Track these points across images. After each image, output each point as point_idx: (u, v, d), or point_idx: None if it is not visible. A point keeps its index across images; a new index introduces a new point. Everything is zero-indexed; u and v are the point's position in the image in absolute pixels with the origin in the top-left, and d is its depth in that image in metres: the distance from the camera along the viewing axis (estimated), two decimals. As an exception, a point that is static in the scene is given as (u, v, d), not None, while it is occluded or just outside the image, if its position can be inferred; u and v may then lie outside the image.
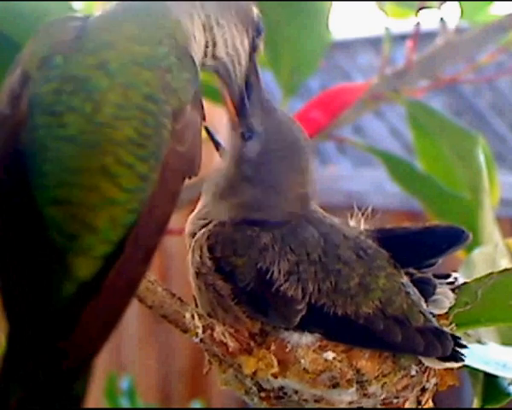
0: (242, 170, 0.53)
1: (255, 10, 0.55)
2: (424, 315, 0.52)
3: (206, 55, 0.53)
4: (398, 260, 0.54)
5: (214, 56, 0.53)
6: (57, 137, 0.45)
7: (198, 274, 0.52)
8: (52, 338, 0.43)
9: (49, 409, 0.44)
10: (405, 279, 0.53)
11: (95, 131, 0.45)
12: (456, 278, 0.56)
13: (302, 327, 0.51)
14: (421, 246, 0.55)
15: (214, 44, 0.53)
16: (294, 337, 0.51)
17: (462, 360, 0.51)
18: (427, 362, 0.52)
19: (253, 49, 0.55)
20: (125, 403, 1.44)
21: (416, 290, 0.53)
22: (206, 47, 0.52)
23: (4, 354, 0.44)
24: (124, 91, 0.45)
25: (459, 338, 0.52)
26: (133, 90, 0.46)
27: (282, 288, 0.50)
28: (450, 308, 0.54)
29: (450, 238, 0.55)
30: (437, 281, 0.55)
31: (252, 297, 0.51)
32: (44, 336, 0.43)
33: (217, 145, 0.56)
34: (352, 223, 0.56)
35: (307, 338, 0.51)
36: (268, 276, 0.50)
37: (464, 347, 0.51)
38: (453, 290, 0.55)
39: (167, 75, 0.47)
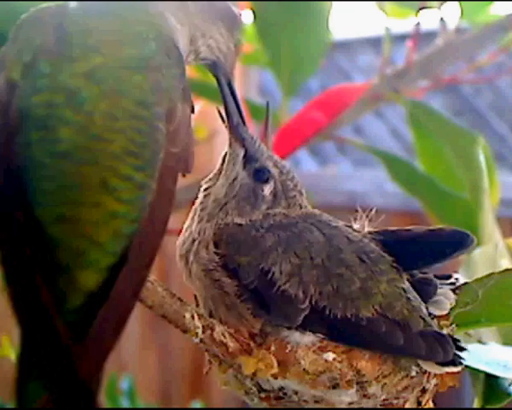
0: (257, 205, 0.54)
1: (236, 9, 0.55)
2: (425, 320, 0.52)
3: (188, 57, 0.53)
4: (402, 263, 0.54)
5: (198, 59, 0.54)
6: (52, 154, 0.44)
7: (205, 271, 0.52)
8: (64, 348, 0.43)
9: None
10: (407, 284, 0.53)
11: (90, 145, 0.44)
12: (457, 279, 0.56)
13: (305, 327, 0.51)
14: (425, 249, 0.55)
15: (198, 53, 0.54)
16: (295, 338, 0.51)
17: (462, 364, 0.51)
18: (426, 366, 0.52)
19: (236, 46, 0.55)
20: (125, 403, 1.44)
21: (416, 295, 0.53)
22: (190, 54, 0.53)
23: (19, 361, 0.44)
24: (115, 100, 0.45)
25: (459, 341, 0.51)
26: (124, 98, 0.45)
27: (283, 288, 0.50)
28: (451, 309, 0.54)
29: (455, 242, 0.54)
30: (438, 282, 0.55)
31: (256, 295, 0.51)
32: (56, 347, 0.43)
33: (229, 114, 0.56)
34: (356, 225, 0.56)
35: (308, 339, 0.51)
36: (269, 276, 0.50)
37: (464, 350, 0.51)
38: (454, 291, 0.55)
39: (157, 75, 0.46)
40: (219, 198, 0.54)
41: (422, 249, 0.55)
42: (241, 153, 0.55)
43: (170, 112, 0.46)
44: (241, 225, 0.53)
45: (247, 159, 0.55)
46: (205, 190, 0.56)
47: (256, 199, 0.54)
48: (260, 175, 0.54)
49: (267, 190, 0.54)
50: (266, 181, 0.54)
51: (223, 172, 0.55)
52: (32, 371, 0.44)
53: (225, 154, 0.56)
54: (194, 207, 0.56)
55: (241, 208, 0.54)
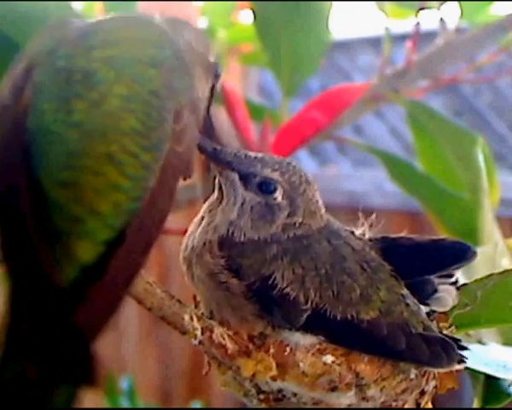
0: (276, 218, 0.52)
1: (213, 53, 0.56)
2: (424, 324, 0.52)
3: None
4: (401, 271, 0.54)
5: None
6: (63, 122, 0.46)
7: (210, 274, 0.51)
8: (52, 319, 0.43)
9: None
10: (406, 291, 0.53)
11: (101, 118, 0.46)
12: (457, 277, 0.56)
13: (306, 329, 0.50)
14: (425, 259, 0.54)
15: None
16: (294, 339, 0.51)
17: (464, 363, 0.51)
18: (428, 367, 0.52)
19: (212, 93, 0.54)
20: (125, 403, 1.44)
21: (415, 301, 0.53)
22: None
23: (6, 333, 0.44)
24: (129, 85, 0.47)
25: (460, 340, 0.51)
26: (138, 85, 0.47)
27: (284, 291, 0.50)
28: (451, 309, 0.54)
29: (456, 254, 0.54)
30: (440, 279, 0.55)
31: (258, 296, 0.50)
32: (45, 317, 0.43)
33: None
34: (358, 231, 0.56)
35: (307, 341, 0.51)
36: (271, 280, 0.50)
37: (465, 349, 0.51)
38: (457, 289, 0.55)
39: (169, 75, 0.48)
40: (231, 219, 0.52)
41: (422, 259, 0.54)
42: (235, 176, 0.52)
43: (177, 112, 0.48)
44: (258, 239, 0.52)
45: (245, 179, 0.52)
46: (210, 211, 0.54)
47: (273, 212, 0.52)
48: (266, 187, 0.52)
49: (279, 196, 0.52)
50: (274, 190, 0.52)
51: (225, 201, 0.53)
52: (16, 350, 0.44)
53: (219, 182, 0.54)
54: (195, 221, 0.55)
55: (257, 227, 0.52)
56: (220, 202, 0.54)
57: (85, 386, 0.44)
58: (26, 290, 0.44)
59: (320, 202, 0.54)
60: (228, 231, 0.52)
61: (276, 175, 0.52)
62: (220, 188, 0.54)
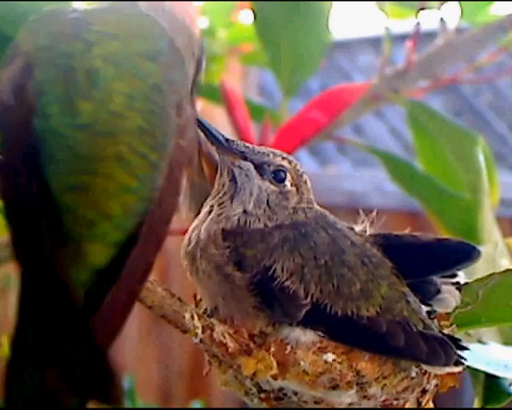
0: (288, 204, 0.54)
1: (197, 32, 0.55)
2: (424, 323, 0.52)
3: None
4: (404, 269, 0.54)
5: None
6: (71, 125, 0.45)
7: (217, 267, 0.51)
8: (69, 330, 0.43)
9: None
10: (407, 289, 0.53)
11: (108, 120, 0.45)
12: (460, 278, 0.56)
13: (306, 324, 0.50)
14: (429, 258, 0.54)
15: None
16: (295, 337, 0.51)
17: (463, 364, 0.51)
18: (426, 367, 0.52)
19: (198, 71, 0.54)
20: (125, 403, 1.44)
21: (416, 299, 0.53)
22: None
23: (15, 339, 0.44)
24: (131, 81, 0.46)
25: (459, 340, 0.51)
26: (140, 81, 0.47)
27: (284, 284, 0.50)
28: (454, 308, 0.54)
29: (460, 254, 0.54)
30: (442, 280, 0.55)
31: (260, 289, 0.50)
32: (61, 327, 0.43)
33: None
34: (358, 228, 0.56)
35: (308, 337, 0.51)
36: (271, 272, 0.50)
37: (465, 349, 0.51)
38: (459, 290, 0.55)
39: (168, 68, 0.48)
40: (247, 209, 0.53)
41: (426, 258, 0.54)
42: (250, 166, 0.53)
43: (179, 106, 0.47)
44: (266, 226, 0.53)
45: (259, 169, 0.54)
46: (219, 204, 0.54)
47: (287, 199, 0.54)
48: (280, 175, 0.54)
49: (288, 183, 0.54)
50: (285, 177, 0.54)
51: (239, 191, 0.54)
52: (27, 358, 0.43)
53: (230, 173, 0.54)
54: (200, 216, 0.55)
55: (273, 216, 0.53)
56: (232, 193, 0.54)
57: (104, 401, 0.43)
58: (40, 297, 0.43)
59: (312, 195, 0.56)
60: (239, 220, 0.53)
61: (285, 163, 0.54)
62: (231, 179, 0.54)
